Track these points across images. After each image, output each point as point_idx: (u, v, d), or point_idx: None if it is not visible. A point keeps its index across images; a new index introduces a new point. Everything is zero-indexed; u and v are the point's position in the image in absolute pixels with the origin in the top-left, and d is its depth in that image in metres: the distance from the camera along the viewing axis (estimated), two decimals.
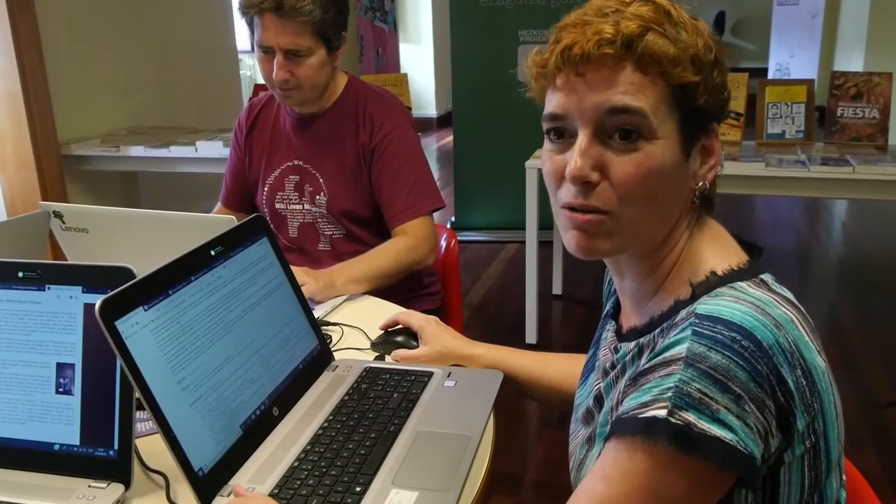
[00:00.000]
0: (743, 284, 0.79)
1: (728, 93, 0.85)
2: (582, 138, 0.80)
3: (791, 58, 8.39)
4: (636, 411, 0.74)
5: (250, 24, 1.78)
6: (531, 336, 3.30)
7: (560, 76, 0.81)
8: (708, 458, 0.70)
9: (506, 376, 1.23)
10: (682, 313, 0.79)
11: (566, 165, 0.81)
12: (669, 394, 0.72)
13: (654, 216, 0.83)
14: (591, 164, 0.80)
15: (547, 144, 0.85)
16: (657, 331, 0.83)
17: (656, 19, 0.79)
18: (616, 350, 0.92)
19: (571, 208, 0.82)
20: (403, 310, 1.41)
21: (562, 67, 0.80)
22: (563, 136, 0.83)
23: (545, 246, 3.45)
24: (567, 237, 0.84)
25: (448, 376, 1.22)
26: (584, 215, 0.81)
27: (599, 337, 1.04)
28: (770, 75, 8.45)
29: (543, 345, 3.31)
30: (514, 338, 3.28)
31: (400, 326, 1.38)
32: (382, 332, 1.38)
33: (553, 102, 0.83)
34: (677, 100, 0.80)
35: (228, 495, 0.95)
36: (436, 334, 1.31)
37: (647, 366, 0.77)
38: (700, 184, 0.85)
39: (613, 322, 0.98)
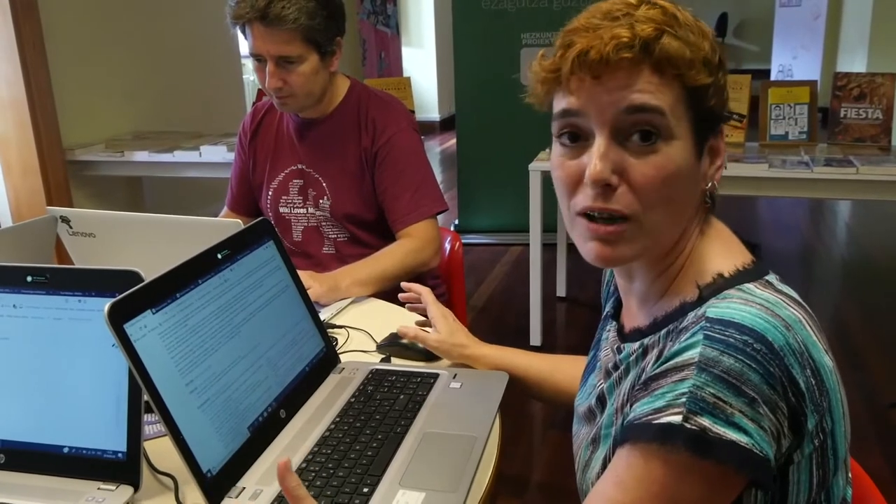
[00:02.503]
0: (750, 286, 0.79)
1: (727, 93, 0.85)
2: (600, 140, 0.79)
3: (794, 59, 8.39)
4: (650, 417, 0.74)
5: (243, 33, 1.79)
6: (535, 338, 3.30)
7: (574, 80, 0.80)
8: (724, 463, 0.71)
9: (513, 378, 1.24)
10: (691, 316, 0.79)
11: (581, 170, 0.80)
12: (684, 399, 0.72)
13: (672, 218, 0.82)
14: (611, 167, 0.78)
15: (558, 150, 0.84)
16: (663, 332, 0.83)
17: (667, 22, 0.79)
18: (619, 350, 0.92)
19: (590, 217, 0.81)
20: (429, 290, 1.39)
21: (576, 72, 0.79)
22: (578, 139, 0.82)
23: (549, 248, 3.46)
24: (586, 248, 0.83)
25: (454, 378, 1.23)
26: (607, 226, 0.80)
27: (600, 338, 1.04)
28: (773, 77, 8.45)
29: (547, 347, 3.31)
30: (518, 340, 3.28)
31: None
32: (389, 334, 1.39)
33: (566, 101, 0.81)
34: (691, 101, 0.80)
35: (237, 496, 0.95)
36: (451, 328, 1.31)
37: (658, 370, 0.77)
38: (710, 184, 0.85)
39: (614, 322, 0.98)
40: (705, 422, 0.71)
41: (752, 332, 0.72)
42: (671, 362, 0.75)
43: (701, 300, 0.80)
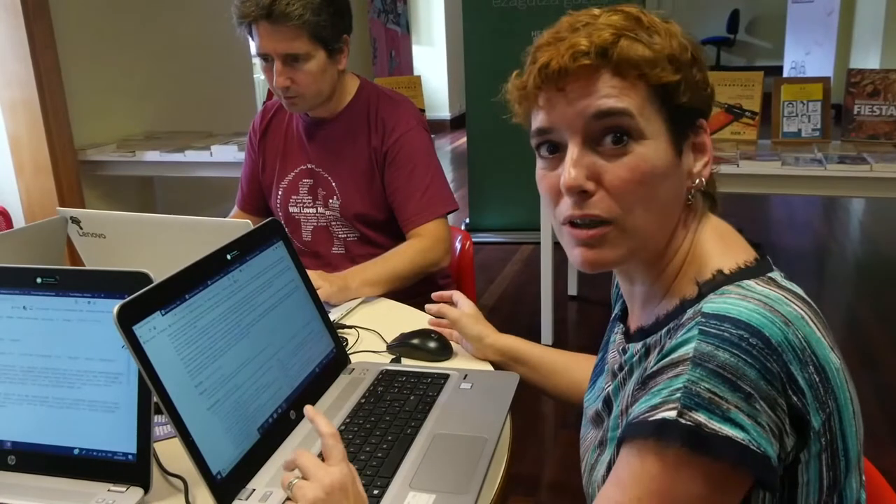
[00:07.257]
0: (750, 282, 0.79)
1: (711, 88, 0.86)
2: (572, 148, 0.81)
3: (806, 55, 8.34)
4: (646, 414, 0.74)
5: (249, 34, 1.79)
6: (547, 337, 3.29)
7: (541, 95, 0.82)
8: (720, 459, 0.70)
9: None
10: (689, 312, 0.79)
11: (560, 180, 0.82)
12: (678, 395, 0.72)
13: (655, 218, 0.83)
14: (585, 173, 0.80)
15: (540, 163, 0.86)
16: (664, 331, 0.83)
17: (628, 26, 0.80)
18: (624, 352, 0.92)
19: (573, 224, 0.83)
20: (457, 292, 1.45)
21: (541, 86, 0.81)
22: (556, 150, 0.84)
23: (560, 247, 3.44)
24: (573, 254, 0.85)
25: (464, 378, 1.22)
26: (588, 231, 0.82)
27: (608, 340, 1.04)
28: (785, 73, 8.40)
29: (559, 346, 3.28)
30: (529, 339, 3.26)
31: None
32: (399, 334, 1.39)
33: (538, 119, 0.84)
34: (661, 99, 0.81)
35: (247, 498, 0.95)
36: (475, 310, 1.38)
37: (655, 368, 0.77)
38: (696, 181, 0.85)
39: (621, 325, 0.98)
40: (700, 417, 0.70)
41: (748, 327, 0.72)
42: (667, 359, 0.75)
43: (700, 297, 0.80)
